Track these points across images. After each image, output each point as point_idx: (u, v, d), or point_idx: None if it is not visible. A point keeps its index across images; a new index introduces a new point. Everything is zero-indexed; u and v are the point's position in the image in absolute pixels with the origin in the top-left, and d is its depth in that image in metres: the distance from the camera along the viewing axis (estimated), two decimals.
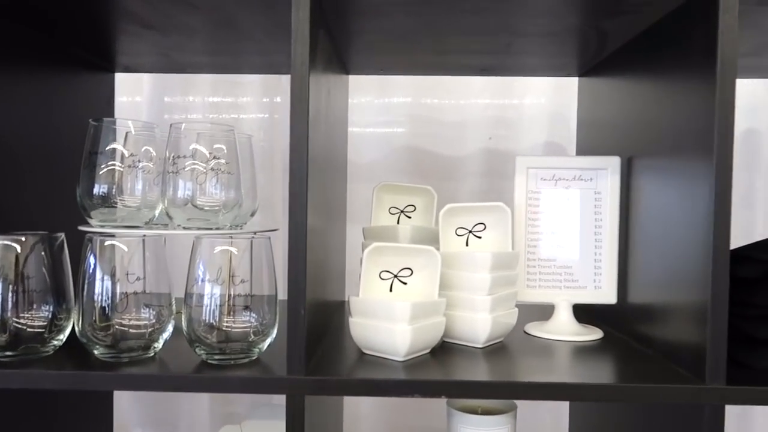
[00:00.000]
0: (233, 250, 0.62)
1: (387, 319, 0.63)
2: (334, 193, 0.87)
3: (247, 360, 0.62)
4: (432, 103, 1.21)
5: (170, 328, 0.65)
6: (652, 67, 0.72)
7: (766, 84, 1.14)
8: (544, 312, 0.81)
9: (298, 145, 0.58)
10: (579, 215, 0.79)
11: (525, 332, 0.78)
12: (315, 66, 0.63)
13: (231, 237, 0.64)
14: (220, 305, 0.61)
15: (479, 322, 0.68)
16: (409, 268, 0.69)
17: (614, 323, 0.81)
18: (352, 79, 1.13)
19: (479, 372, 0.63)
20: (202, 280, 0.61)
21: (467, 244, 0.75)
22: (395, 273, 0.69)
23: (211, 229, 0.69)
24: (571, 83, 1.03)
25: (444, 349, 0.70)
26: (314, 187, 0.69)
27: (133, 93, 1.20)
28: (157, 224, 0.75)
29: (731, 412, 1.14)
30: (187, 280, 0.62)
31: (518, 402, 0.73)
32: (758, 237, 1.13)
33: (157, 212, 0.74)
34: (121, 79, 1.05)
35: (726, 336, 0.56)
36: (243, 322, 0.63)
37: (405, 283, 0.69)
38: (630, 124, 0.78)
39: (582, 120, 0.99)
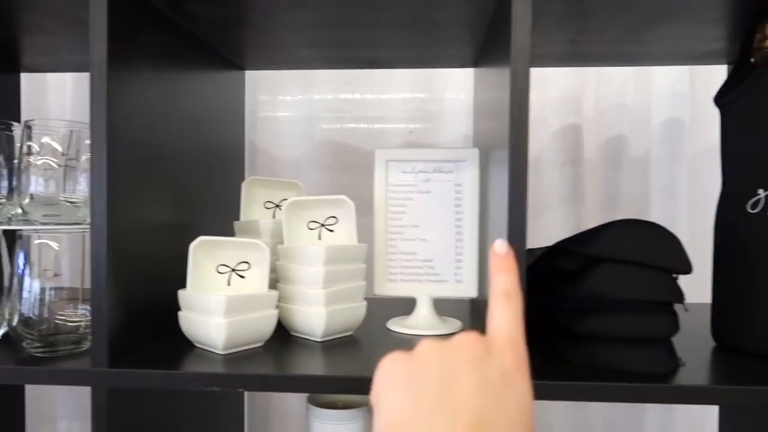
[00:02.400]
0: (53, 244, 0.64)
1: (205, 312, 0.63)
2: (210, 189, 0.87)
3: (66, 353, 0.63)
4: (354, 98, 1.20)
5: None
6: (489, 55, 0.70)
7: (691, 71, 1.10)
8: None
9: (97, 142, 0.58)
10: (440, 208, 0.77)
11: (386, 327, 0.77)
12: (130, 62, 0.63)
13: (51, 232, 0.65)
14: (41, 299, 0.63)
15: (313, 316, 0.68)
16: (247, 262, 0.69)
17: (480, 317, 0.79)
18: (272, 75, 1.15)
19: (302, 365, 0.63)
20: (22, 275, 0.63)
21: (320, 238, 0.75)
22: (233, 267, 0.69)
23: (49, 224, 0.70)
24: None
25: (284, 342, 0.70)
26: (160, 183, 0.70)
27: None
28: (18, 221, 0.76)
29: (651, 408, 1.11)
30: (10, 274, 0.64)
31: None
32: (680, 229, 1.10)
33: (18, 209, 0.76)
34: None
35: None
36: (69, 315, 0.64)
37: (243, 277, 0.69)
38: (491, 115, 0.77)
39: (476, 111, 0.98)
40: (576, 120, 1.13)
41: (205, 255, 0.67)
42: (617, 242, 0.56)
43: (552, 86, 1.13)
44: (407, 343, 0.71)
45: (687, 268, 0.57)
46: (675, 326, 0.58)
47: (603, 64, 1.02)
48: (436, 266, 0.77)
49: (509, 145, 0.55)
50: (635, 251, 0.55)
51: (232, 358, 0.63)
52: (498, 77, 0.66)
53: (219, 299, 0.62)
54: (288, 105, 1.21)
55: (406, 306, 0.81)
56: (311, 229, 0.74)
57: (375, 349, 0.69)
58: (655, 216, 1.11)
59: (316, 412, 0.74)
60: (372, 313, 0.78)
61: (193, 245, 0.66)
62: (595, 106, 1.13)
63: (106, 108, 0.58)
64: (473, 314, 0.86)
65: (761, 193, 0.61)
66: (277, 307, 0.69)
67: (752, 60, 0.66)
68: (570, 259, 0.60)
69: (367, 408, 0.75)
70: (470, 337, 0.37)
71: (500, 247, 0.42)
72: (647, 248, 0.56)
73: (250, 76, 1.12)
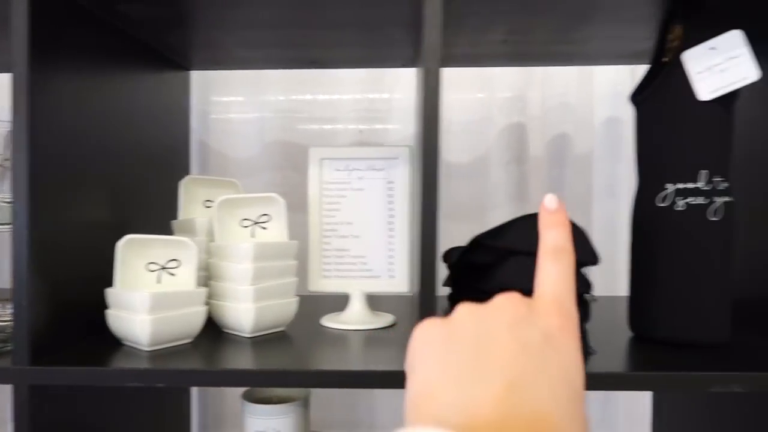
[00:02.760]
0: None
1: (131, 309, 0.64)
2: (151, 189, 0.88)
3: None
4: (305, 99, 1.22)
5: None
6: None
7: (632, 71, 1.13)
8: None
9: (18, 142, 0.59)
10: (373, 205, 0.79)
11: (320, 323, 0.78)
12: (57, 62, 0.64)
13: None
14: None
15: (242, 312, 0.69)
16: (177, 260, 0.70)
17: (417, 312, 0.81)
18: (225, 76, 1.16)
19: (228, 360, 0.64)
20: None
21: (253, 236, 0.76)
22: (163, 264, 0.70)
23: None
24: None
25: (214, 339, 0.70)
26: (94, 183, 0.71)
27: None
28: None
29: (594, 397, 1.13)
30: None
31: None
32: (621, 226, 1.13)
33: None
34: None
35: None
36: None
37: (173, 275, 0.70)
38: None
39: (416, 110, 1.00)
40: (521, 119, 1.15)
41: (135, 254, 0.68)
42: (525, 235, 0.58)
43: (498, 86, 1.15)
44: (338, 338, 0.72)
45: (593, 260, 0.59)
46: (584, 315, 0.60)
47: (542, 64, 1.05)
48: (368, 262, 0.79)
49: (422, 143, 0.57)
50: None
51: (157, 355, 0.64)
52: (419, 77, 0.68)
53: (143, 296, 0.63)
54: (240, 106, 1.22)
55: (344, 303, 0.82)
56: (245, 227, 0.75)
57: (305, 344, 0.70)
58: (597, 212, 1.14)
59: (249, 407, 0.75)
60: (307, 310, 0.80)
61: (120, 244, 0.66)
62: (540, 105, 1.15)
63: (27, 108, 0.59)
64: (414, 310, 0.88)
65: (669, 187, 0.64)
66: (208, 304, 0.70)
67: (665, 59, 0.69)
68: (485, 253, 0.62)
69: (300, 402, 0.76)
70: (512, 298, 0.34)
71: (550, 201, 0.39)
72: None
73: (202, 76, 1.12)
